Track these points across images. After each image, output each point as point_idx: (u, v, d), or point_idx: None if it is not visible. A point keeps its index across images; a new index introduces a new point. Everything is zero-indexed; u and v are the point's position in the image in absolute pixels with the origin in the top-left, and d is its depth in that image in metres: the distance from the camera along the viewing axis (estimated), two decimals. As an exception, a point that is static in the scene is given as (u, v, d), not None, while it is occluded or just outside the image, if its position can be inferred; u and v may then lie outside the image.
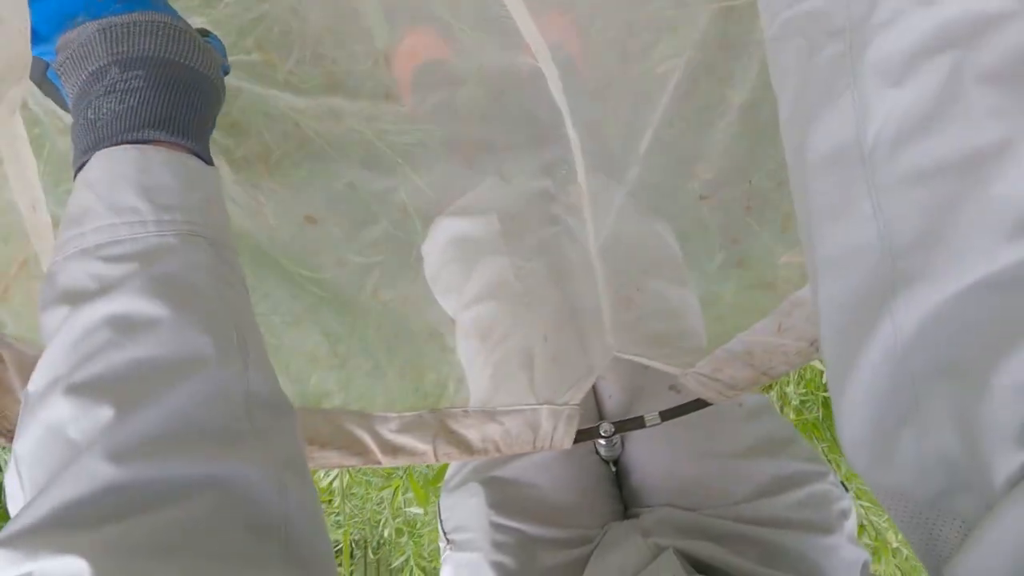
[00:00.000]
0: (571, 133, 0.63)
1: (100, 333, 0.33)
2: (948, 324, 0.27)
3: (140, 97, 0.39)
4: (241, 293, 0.41)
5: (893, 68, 0.30)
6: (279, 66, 0.74)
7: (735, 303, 0.83)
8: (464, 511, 0.59)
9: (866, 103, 0.30)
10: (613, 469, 0.66)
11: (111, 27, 0.40)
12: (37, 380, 0.33)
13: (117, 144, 0.38)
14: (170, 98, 0.40)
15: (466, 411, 0.66)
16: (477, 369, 0.69)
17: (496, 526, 0.57)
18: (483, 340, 0.69)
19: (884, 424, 0.30)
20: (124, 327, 0.33)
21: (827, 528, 0.53)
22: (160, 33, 0.41)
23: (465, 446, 0.62)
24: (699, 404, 0.59)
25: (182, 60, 0.42)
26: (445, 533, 0.60)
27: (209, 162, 0.44)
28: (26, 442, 0.31)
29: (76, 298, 0.34)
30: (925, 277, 0.27)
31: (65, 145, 0.58)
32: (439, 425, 0.64)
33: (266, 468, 0.32)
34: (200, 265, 0.37)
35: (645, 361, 0.61)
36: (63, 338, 0.33)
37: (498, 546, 0.56)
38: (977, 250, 0.26)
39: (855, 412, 0.31)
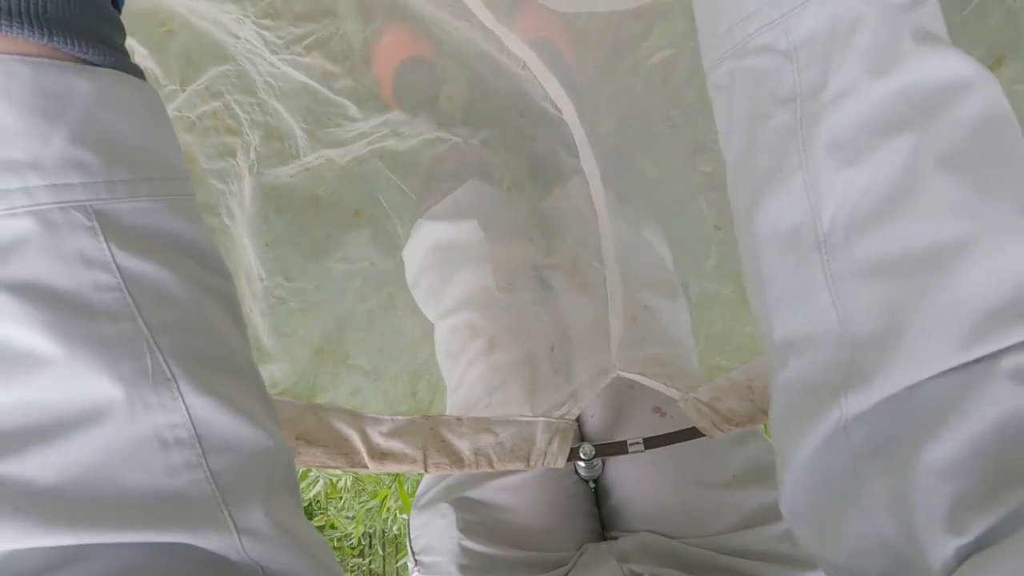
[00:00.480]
0: (576, 132, 0.58)
1: None
2: (890, 409, 0.27)
3: None
4: (172, 287, 0.28)
5: (847, 146, 0.28)
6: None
7: (735, 299, 0.79)
8: (433, 532, 0.58)
9: (819, 184, 0.29)
10: (592, 487, 0.64)
11: None
12: None
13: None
14: None
15: (459, 419, 0.64)
16: (456, 377, 0.67)
17: (465, 550, 0.55)
18: (463, 349, 0.67)
19: (825, 502, 0.30)
20: None
21: (810, 563, 0.50)
22: None
23: (456, 457, 0.60)
24: (685, 435, 0.56)
25: None
26: (414, 553, 0.58)
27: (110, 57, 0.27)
28: None
29: None
30: (878, 374, 0.27)
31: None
32: (430, 432, 0.62)
33: (230, 526, 0.27)
34: (71, 259, 0.25)
35: (646, 381, 0.58)
36: None
37: (465, 570, 0.54)
38: (932, 354, 0.26)
39: (796, 488, 0.31)
